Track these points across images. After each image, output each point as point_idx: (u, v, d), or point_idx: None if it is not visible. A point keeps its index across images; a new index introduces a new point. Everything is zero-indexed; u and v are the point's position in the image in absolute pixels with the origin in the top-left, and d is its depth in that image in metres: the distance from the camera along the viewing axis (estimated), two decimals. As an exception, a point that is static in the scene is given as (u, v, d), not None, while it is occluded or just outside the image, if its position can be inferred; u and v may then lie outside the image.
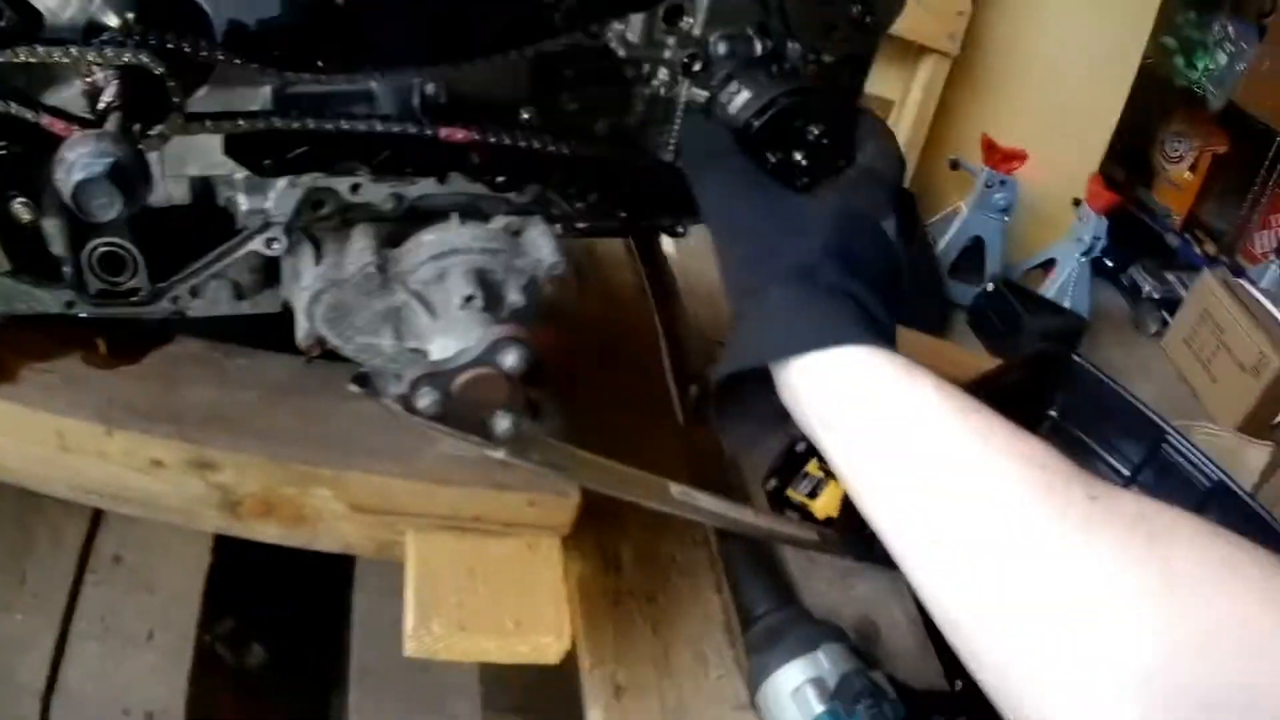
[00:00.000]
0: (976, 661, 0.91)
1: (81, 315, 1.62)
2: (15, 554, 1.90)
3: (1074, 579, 0.76)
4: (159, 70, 1.33)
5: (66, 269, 1.54)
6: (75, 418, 1.60)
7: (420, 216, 1.55)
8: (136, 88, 1.31)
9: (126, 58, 1.29)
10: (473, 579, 1.61)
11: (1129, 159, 5.77)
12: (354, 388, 1.51)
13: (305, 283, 1.51)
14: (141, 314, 1.63)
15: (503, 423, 1.49)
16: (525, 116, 1.53)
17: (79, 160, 1.23)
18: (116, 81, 1.31)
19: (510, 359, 1.42)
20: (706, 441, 1.97)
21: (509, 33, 1.44)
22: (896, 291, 1.13)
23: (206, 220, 1.57)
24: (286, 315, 1.64)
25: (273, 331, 1.71)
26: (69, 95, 1.36)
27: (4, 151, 1.40)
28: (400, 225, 1.53)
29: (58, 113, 1.33)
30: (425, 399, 1.44)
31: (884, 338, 0.99)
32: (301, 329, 1.54)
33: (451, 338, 1.47)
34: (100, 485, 1.75)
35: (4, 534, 1.94)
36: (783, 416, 1.11)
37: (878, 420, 0.93)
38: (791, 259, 1.05)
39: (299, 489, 1.62)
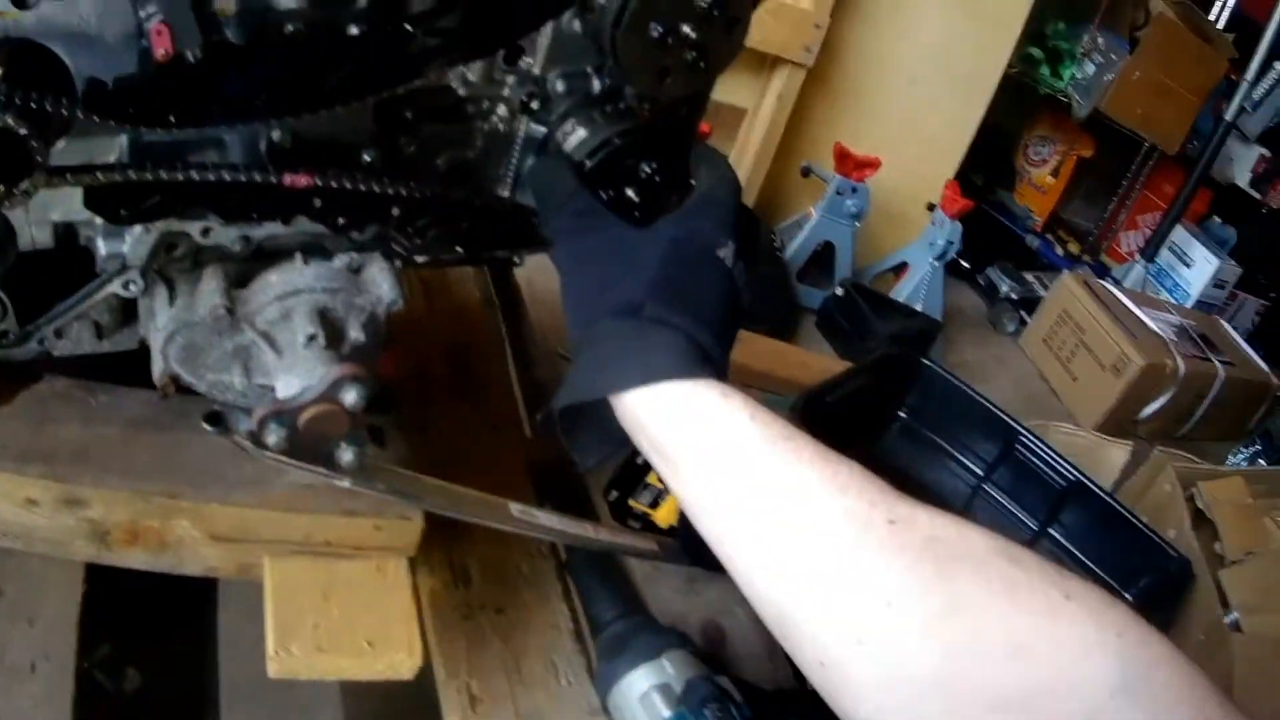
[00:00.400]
0: (802, 666, 0.93)
1: None
2: None
3: (871, 598, 0.85)
4: (23, 131, 1.37)
5: None
6: None
7: (268, 256, 1.63)
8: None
9: None
10: (327, 601, 1.70)
11: (989, 163, 5.94)
12: (207, 426, 1.58)
13: (160, 323, 1.58)
14: (10, 356, 1.68)
15: (346, 454, 1.59)
16: (366, 159, 1.60)
17: None
18: None
19: (350, 396, 1.51)
20: (551, 454, 2.06)
21: (356, 82, 1.51)
22: (731, 315, 1.20)
23: (69, 263, 1.63)
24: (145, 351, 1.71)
25: (136, 364, 1.77)
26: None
27: None
28: (248, 265, 1.61)
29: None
30: (273, 435, 1.53)
31: (710, 365, 1.04)
32: (157, 368, 1.61)
33: (296, 375, 1.55)
34: None
35: None
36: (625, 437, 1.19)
37: (699, 449, 1.00)
38: (621, 295, 1.10)
39: (161, 520, 1.71)
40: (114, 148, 1.50)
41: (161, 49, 1.36)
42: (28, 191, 1.39)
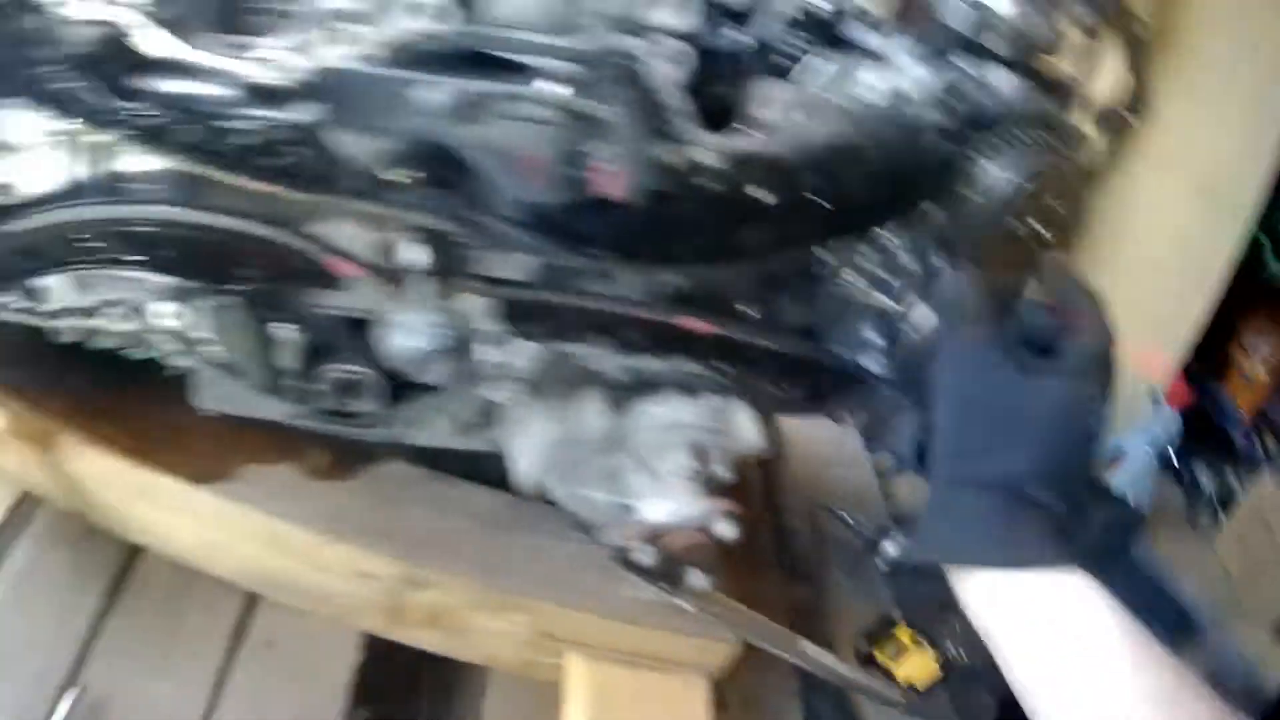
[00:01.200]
0: None
1: (301, 426, 1.79)
2: (167, 628, 1.99)
3: None
4: (457, 236, 1.52)
5: (295, 383, 1.70)
6: (295, 524, 1.77)
7: (639, 386, 1.73)
8: (437, 249, 1.50)
9: (428, 220, 1.49)
10: (633, 706, 1.80)
11: (1203, 349, 5.40)
12: (578, 533, 1.73)
13: (535, 434, 1.68)
14: (363, 436, 1.79)
15: (698, 580, 1.71)
16: (744, 310, 1.71)
17: (411, 326, 1.48)
18: (415, 241, 1.51)
19: (723, 527, 1.65)
20: (803, 596, 2.18)
21: (767, 242, 1.62)
22: (1094, 490, 1.26)
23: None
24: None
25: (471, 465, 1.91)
26: (348, 235, 1.54)
27: (275, 278, 1.57)
28: (621, 391, 1.71)
29: (344, 254, 1.52)
30: (644, 554, 1.67)
31: (1076, 554, 1.00)
32: (523, 474, 1.72)
33: (670, 502, 1.67)
34: (270, 575, 1.92)
35: (155, 606, 2.04)
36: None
37: (1058, 641, 0.97)
38: (1002, 466, 1.04)
39: (495, 612, 1.81)
40: (516, 264, 1.61)
41: (610, 190, 1.45)
42: (447, 294, 1.53)
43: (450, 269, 1.50)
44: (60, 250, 1.52)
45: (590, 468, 1.65)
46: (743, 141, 1.48)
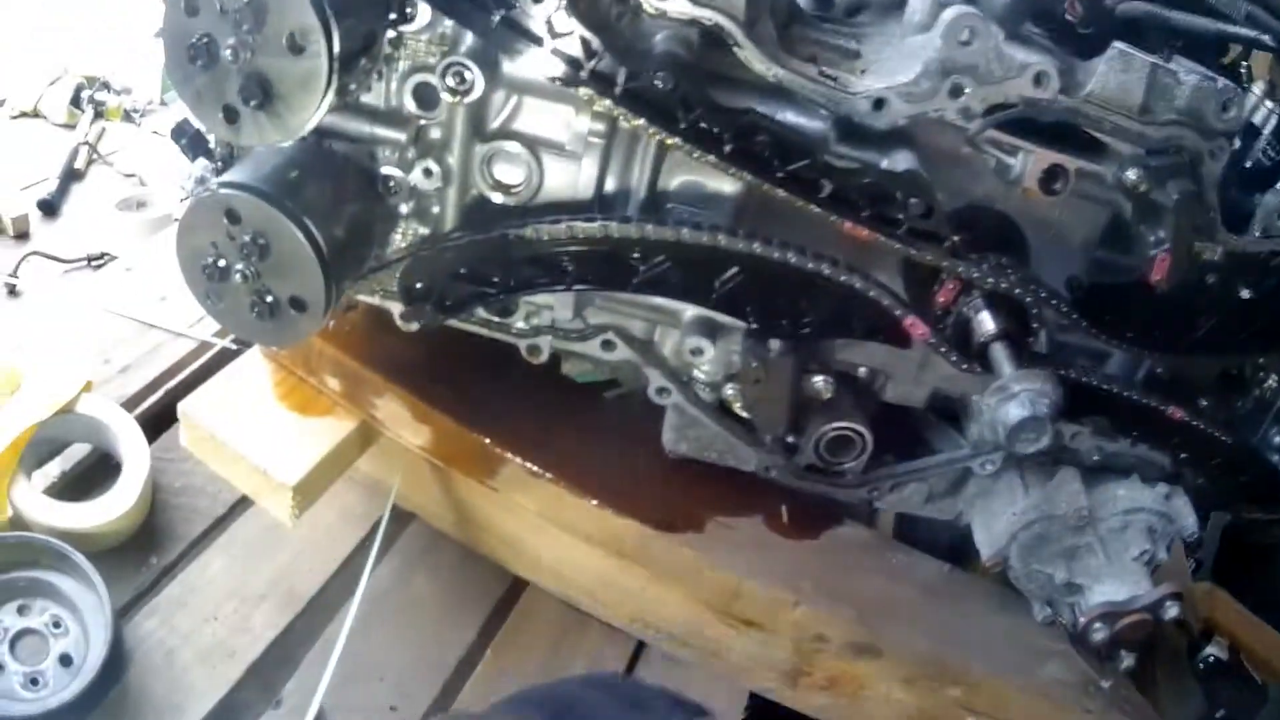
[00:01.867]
0: None
1: (772, 478, 1.76)
2: (546, 669, 1.96)
3: None
4: (1030, 306, 1.51)
5: (774, 437, 1.68)
6: (761, 582, 1.73)
7: (1102, 469, 1.72)
8: (1004, 317, 1.49)
9: (1003, 283, 1.47)
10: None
11: None
12: (1043, 615, 1.73)
13: (1016, 509, 1.66)
14: (835, 495, 1.77)
15: (1127, 660, 1.69)
16: (1203, 403, 1.71)
17: (1025, 396, 1.42)
18: (988, 306, 1.49)
19: (1172, 610, 1.61)
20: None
21: (1242, 343, 1.63)
22: None
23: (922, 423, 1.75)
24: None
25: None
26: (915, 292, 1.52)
27: (841, 328, 1.57)
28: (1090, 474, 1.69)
29: (923, 313, 1.50)
30: (1099, 633, 1.63)
31: None
32: (990, 548, 1.70)
33: (1120, 583, 1.65)
34: (675, 628, 1.87)
35: (535, 645, 2.02)
36: None
37: None
38: None
39: (935, 684, 1.77)
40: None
41: (1154, 275, 1.44)
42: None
43: (1018, 340, 1.48)
44: (579, 266, 1.52)
45: (1055, 545, 1.65)
46: (1254, 245, 1.48)
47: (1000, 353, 1.45)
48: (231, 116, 1.31)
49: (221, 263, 1.43)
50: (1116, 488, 1.64)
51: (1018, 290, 1.44)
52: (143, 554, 2.02)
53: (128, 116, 4.05)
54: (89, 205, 3.61)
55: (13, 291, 3.09)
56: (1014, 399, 1.42)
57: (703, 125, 1.36)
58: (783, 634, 1.74)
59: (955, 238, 1.41)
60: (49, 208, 3.52)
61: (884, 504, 1.75)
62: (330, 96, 1.27)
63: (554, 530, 1.79)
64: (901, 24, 1.44)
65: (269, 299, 1.44)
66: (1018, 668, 1.72)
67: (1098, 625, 1.60)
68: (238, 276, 1.42)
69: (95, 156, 3.79)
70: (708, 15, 1.33)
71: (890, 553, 1.82)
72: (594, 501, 1.72)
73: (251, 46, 1.24)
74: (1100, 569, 1.63)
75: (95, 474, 2.13)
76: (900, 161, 1.43)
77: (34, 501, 1.94)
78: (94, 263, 3.23)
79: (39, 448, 2.06)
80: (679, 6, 1.35)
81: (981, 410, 1.48)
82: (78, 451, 2.17)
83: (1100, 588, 1.62)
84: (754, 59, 1.36)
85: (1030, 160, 1.44)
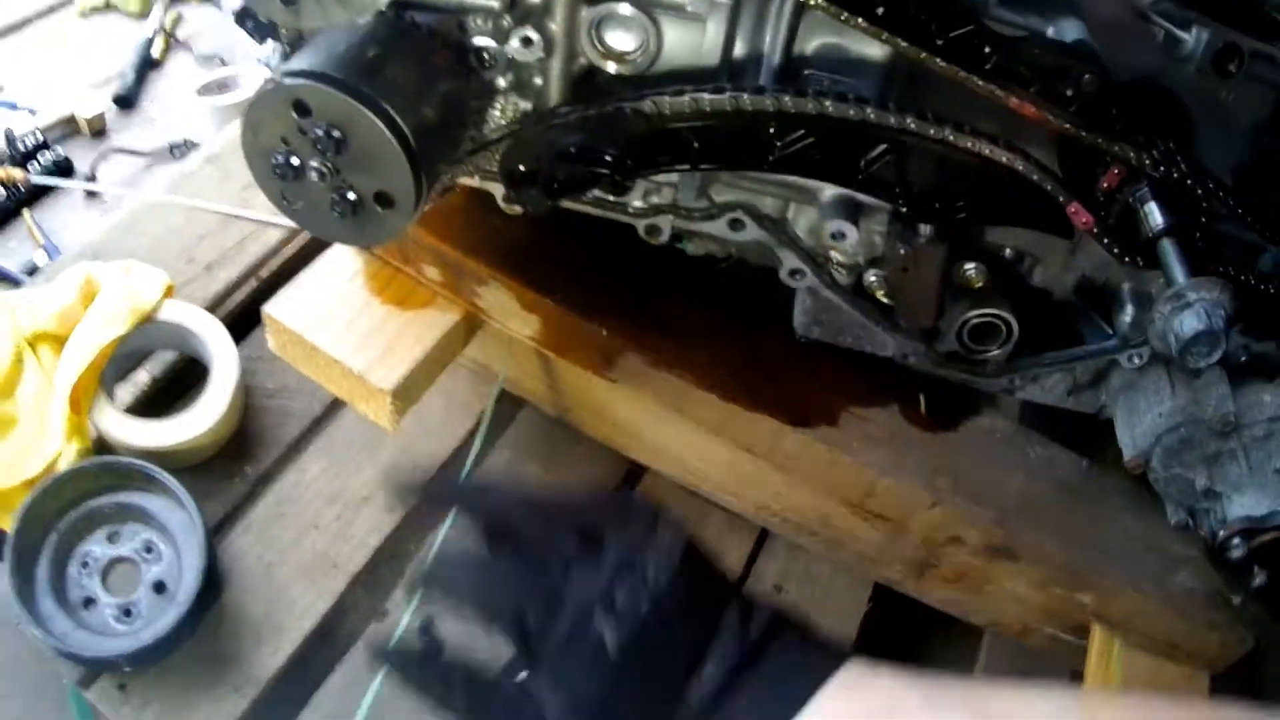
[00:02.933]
0: None
1: (911, 367, 1.53)
2: None
3: None
4: (1201, 198, 1.24)
5: (912, 324, 1.45)
6: (897, 479, 1.52)
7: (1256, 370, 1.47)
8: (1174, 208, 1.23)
9: (1174, 172, 1.20)
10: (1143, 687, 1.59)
11: None
12: (1176, 518, 1.52)
13: (1163, 410, 1.43)
14: (975, 384, 1.54)
15: (1260, 577, 1.45)
16: None
17: (1201, 307, 1.18)
18: (1156, 196, 1.23)
19: None
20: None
21: None
22: None
23: (1071, 314, 1.50)
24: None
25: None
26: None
27: (1001, 214, 1.31)
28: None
29: (1086, 200, 1.23)
30: (1237, 550, 1.42)
31: None
32: (1134, 448, 1.48)
33: (1261, 496, 1.42)
34: (798, 515, 1.69)
35: None
36: None
37: None
38: None
39: (1067, 589, 1.58)
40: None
41: None
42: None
43: (1188, 235, 1.23)
44: (706, 143, 1.24)
45: (1199, 450, 1.42)
46: None
47: (1170, 250, 1.21)
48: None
49: (294, 160, 1.16)
50: (1263, 392, 1.41)
51: (1189, 180, 1.19)
52: (236, 465, 1.83)
53: None
54: (168, 94, 3.30)
55: (91, 193, 2.79)
56: (1189, 309, 1.20)
57: None
58: (916, 532, 1.56)
59: (1127, 117, 1.17)
60: (125, 101, 3.24)
61: (1025, 394, 1.53)
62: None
63: (678, 421, 1.58)
64: None
65: (351, 196, 1.17)
66: (1150, 575, 1.52)
67: (1235, 541, 1.40)
68: (314, 174, 1.15)
69: (173, 42, 3.43)
70: None
71: (1029, 445, 1.60)
72: (719, 395, 1.50)
73: None
74: (1241, 478, 1.41)
75: (187, 377, 1.92)
76: (1068, 30, 1.19)
77: (117, 422, 1.73)
78: (175, 151, 2.93)
79: (121, 360, 1.85)
80: None
81: (1154, 319, 1.25)
82: (167, 355, 1.95)
83: (1240, 499, 1.41)
84: None
85: (1204, 36, 1.22)
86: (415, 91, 1.17)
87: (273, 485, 1.81)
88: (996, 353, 1.44)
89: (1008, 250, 1.41)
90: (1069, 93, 1.15)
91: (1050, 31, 1.20)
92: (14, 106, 3.27)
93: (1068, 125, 1.17)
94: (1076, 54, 1.16)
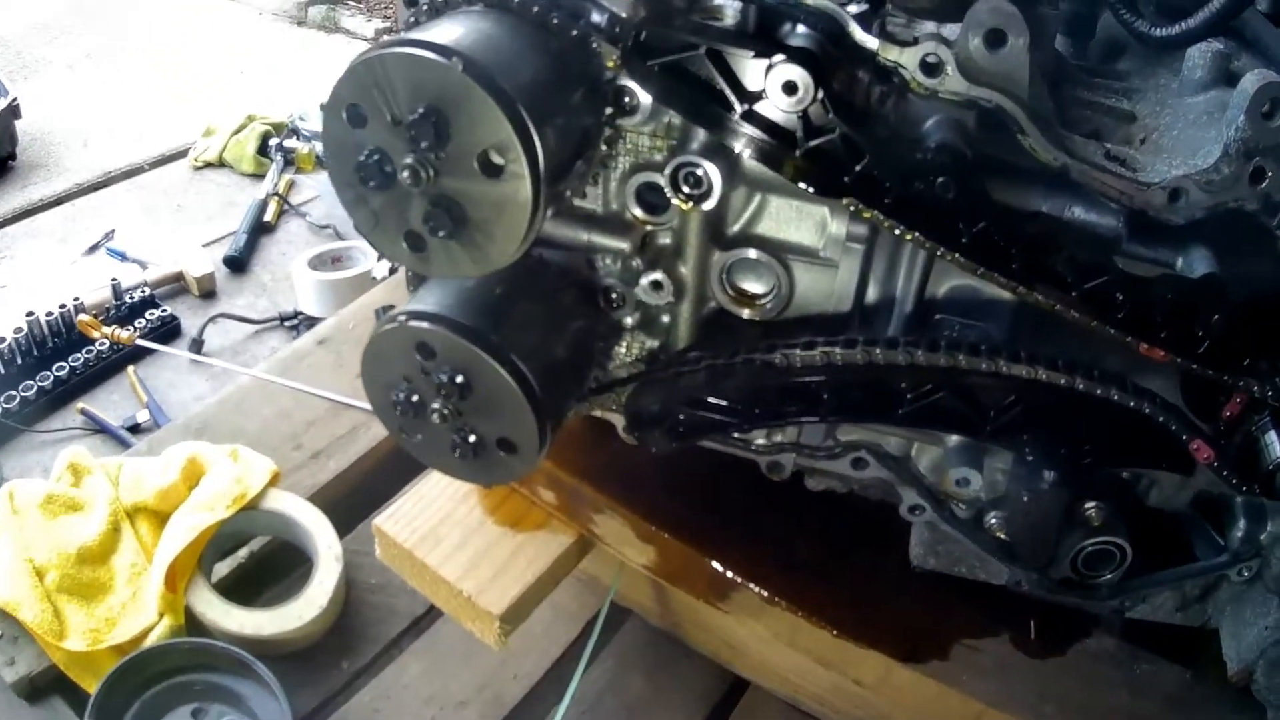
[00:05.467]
0: None
1: (1023, 592, 1.47)
2: None
3: None
4: None
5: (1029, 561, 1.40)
6: (1004, 710, 1.47)
7: None
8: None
9: None
10: None
11: None
12: None
13: (1269, 623, 1.38)
14: (1086, 606, 1.49)
15: None
16: None
17: None
18: (1275, 426, 1.20)
19: None
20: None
21: None
22: None
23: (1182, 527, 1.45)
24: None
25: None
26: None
27: (1121, 455, 1.29)
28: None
29: (1206, 434, 1.19)
30: None
31: None
32: (1238, 660, 1.42)
33: None
34: None
35: None
36: None
37: None
38: None
39: None
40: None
41: None
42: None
43: None
44: (837, 396, 1.22)
45: None
46: None
47: None
48: (418, 245, 1.03)
49: (415, 398, 1.16)
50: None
51: None
52: (333, 657, 1.84)
53: (321, 163, 3.75)
54: (279, 261, 3.36)
55: (196, 359, 2.85)
56: None
57: (988, 237, 1.07)
58: None
59: (1254, 351, 1.14)
60: (236, 264, 3.31)
61: (1136, 614, 1.49)
62: (539, 222, 0.98)
63: (787, 649, 1.54)
64: (1177, 78, 1.20)
65: (472, 440, 1.17)
66: None
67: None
68: (435, 416, 1.15)
69: (286, 208, 3.52)
70: (987, 96, 1.06)
71: (1134, 663, 1.56)
72: (834, 632, 1.47)
73: (435, 165, 0.97)
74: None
75: (286, 560, 1.92)
76: (1198, 263, 1.14)
77: (213, 604, 1.77)
78: (286, 323, 2.98)
79: (222, 541, 1.89)
80: (954, 85, 1.06)
81: (1272, 563, 1.26)
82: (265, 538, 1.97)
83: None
84: (1039, 146, 1.07)
85: None
86: (542, 335, 1.18)
87: (370, 681, 1.80)
88: (1110, 577, 1.40)
89: (1125, 472, 1.37)
90: (1199, 332, 1.12)
91: (1179, 264, 1.16)
92: (123, 257, 3.36)
93: (1195, 366, 1.14)
94: (1206, 290, 1.12)
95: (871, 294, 1.23)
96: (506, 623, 1.49)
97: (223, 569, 1.90)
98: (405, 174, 0.97)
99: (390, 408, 1.19)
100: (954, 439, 1.30)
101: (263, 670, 1.58)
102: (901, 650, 1.48)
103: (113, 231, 3.48)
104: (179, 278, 3.24)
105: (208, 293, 3.23)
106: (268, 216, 3.54)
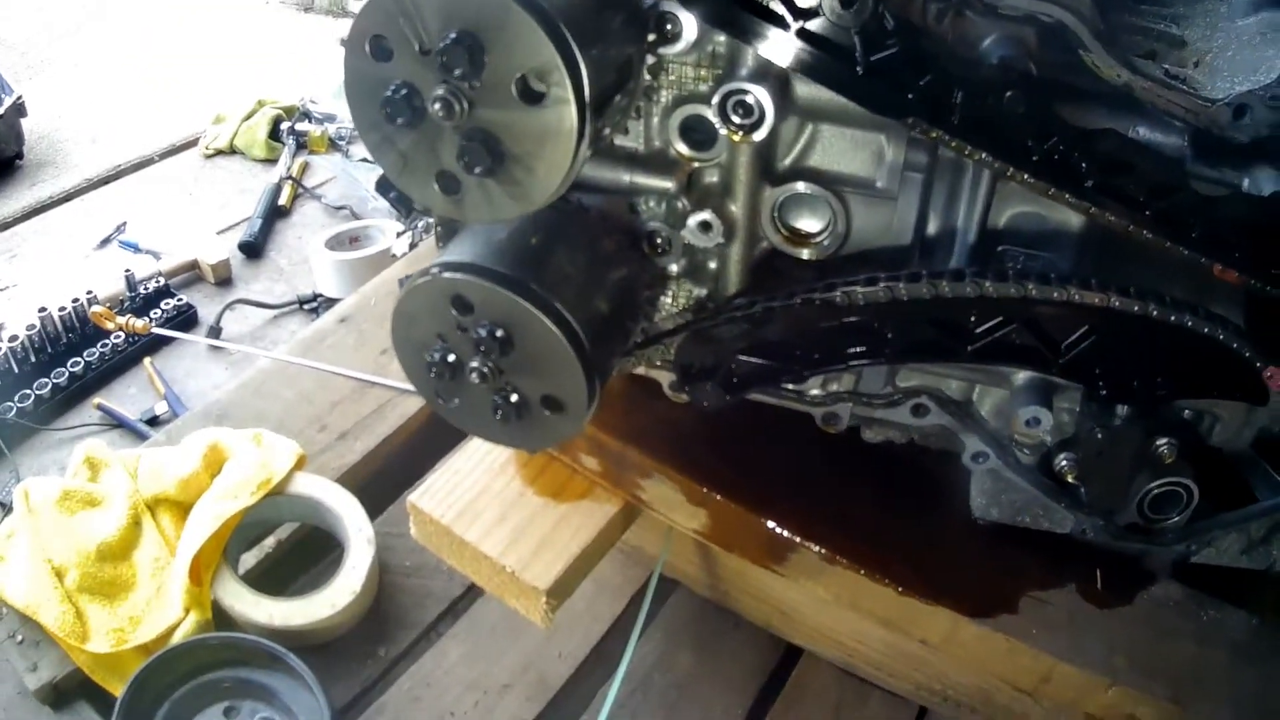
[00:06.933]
0: None
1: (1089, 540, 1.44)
2: None
3: None
4: None
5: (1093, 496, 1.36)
6: (1076, 664, 1.43)
7: None
8: None
9: None
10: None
11: None
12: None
13: None
14: (1151, 552, 1.46)
15: None
16: None
17: None
18: None
19: None
20: None
21: None
22: None
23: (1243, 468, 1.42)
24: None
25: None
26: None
27: (1196, 387, 1.22)
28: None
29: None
30: None
31: None
32: None
33: None
34: (961, 694, 1.61)
35: (822, 712, 1.74)
36: None
37: None
38: None
39: None
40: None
41: None
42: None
43: None
44: (902, 335, 1.17)
45: None
46: None
47: None
48: (451, 187, 0.97)
49: (451, 358, 1.10)
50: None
51: None
52: (369, 645, 1.79)
53: (334, 145, 3.70)
54: (296, 245, 3.31)
55: (214, 344, 2.80)
56: None
57: (1061, 156, 1.03)
58: (1090, 711, 1.47)
59: None
60: (252, 250, 3.26)
61: (1201, 558, 1.47)
62: (583, 154, 0.92)
63: (848, 611, 1.51)
64: (1225, 2, 1.18)
65: (514, 399, 1.11)
66: None
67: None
68: (474, 375, 1.09)
69: (301, 191, 3.46)
70: (1048, 10, 1.02)
71: (1201, 609, 1.51)
72: (899, 589, 1.42)
73: (469, 96, 0.91)
74: None
75: (316, 546, 1.89)
76: (1265, 182, 1.11)
77: (240, 596, 1.71)
78: (305, 306, 2.93)
79: (248, 530, 1.83)
80: (1014, 1, 1.02)
81: None
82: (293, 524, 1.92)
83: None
84: (1102, 63, 1.04)
85: None
86: (584, 284, 1.11)
87: (409, 668, 1.75)
88: (1176, 520, 1.38)
89: (1187, 411, 1.34)
90: (1273, 252, 1.09)
91: (1246, 184, 1.12)
92: (136, 248, 3.31)
93: (1269, 288, 1.11)
94: (1277, 209, 1.09)
95: (932, 226, 1.18)
96: (553, 598, 1.43)
97: (250, 560, 1.86)
98: (438, 106, 0.91)
99: (424, 371, 1.12)
100: (1021, 377, 1.26)
101: (296, 663, 1.54)
102: (969, 606, 1.44)
103: (125, 224, 3.43)
104: (194, 266, 3.19)
105: (224, 280, 3.18)
106: (282, 200, 3.49)
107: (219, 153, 3.88)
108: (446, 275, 1.06)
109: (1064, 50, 1.05)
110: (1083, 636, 1.45)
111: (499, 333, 1.06)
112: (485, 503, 1.50)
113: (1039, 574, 1.49)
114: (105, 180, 3.76)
